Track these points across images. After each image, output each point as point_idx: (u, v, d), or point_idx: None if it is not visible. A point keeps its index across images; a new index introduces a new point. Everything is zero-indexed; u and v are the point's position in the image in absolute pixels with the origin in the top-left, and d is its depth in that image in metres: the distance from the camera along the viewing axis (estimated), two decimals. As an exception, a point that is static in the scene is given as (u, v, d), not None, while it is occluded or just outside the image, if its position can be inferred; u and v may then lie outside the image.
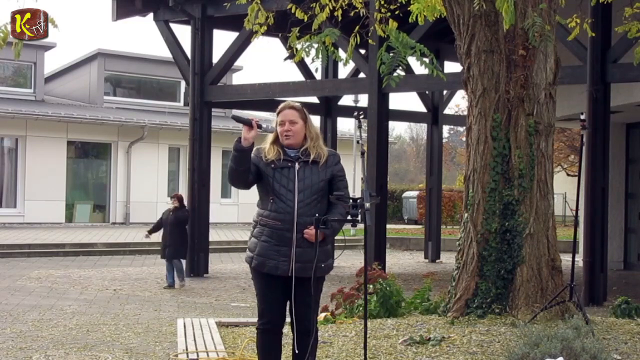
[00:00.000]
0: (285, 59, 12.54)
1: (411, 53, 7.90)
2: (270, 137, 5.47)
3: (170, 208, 14.28)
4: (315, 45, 8.46)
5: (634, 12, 9.99)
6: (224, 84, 20.42)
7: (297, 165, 5.38)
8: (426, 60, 8.10)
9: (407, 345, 7.06)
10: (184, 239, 14.26)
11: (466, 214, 8.24)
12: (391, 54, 7.96)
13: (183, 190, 28.11)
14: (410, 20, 9.03)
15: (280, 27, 9.84)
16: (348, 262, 18.36)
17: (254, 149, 5.40)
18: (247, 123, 5.29)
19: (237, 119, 5.35)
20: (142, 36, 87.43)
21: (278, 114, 5.48)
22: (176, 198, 14.31)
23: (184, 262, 14.39)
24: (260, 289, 5.48)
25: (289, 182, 5.35)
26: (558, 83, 8.40)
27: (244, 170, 5.35)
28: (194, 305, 11.91)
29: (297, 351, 5.46)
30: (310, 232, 5.27)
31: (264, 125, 5.37)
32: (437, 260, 20.22)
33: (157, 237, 14.71)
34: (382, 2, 9.59)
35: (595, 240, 12.28)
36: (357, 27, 9.17)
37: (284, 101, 5.67)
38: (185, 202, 14.81)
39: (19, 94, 28.48)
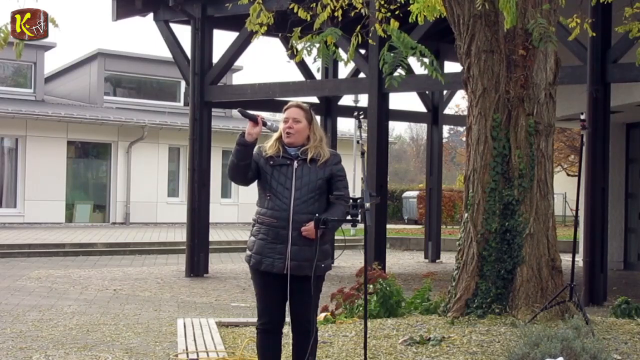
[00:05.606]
0: (289, 60, 12.53)
1: (412, 53, 7.90)
2: (275, 134, 5.52)
3: None
4: (317, 45, 8.46)
5: (634, 12, 9.99)
6: (224, 84, 20.41)
7: (295, 164, 5.40)
8: (426, 61, 8.10)
9: (407, 345, 7.06)
10: None
11: (466, 214, 8.24)
12: (392, 54, 7.96)
13: (183, 190, 28.20)
14: (410, 20, 9.03)
15: (281, 27, 9.84)
16: (348, 262, 18.35)
17: (257, 146, 5.44)
18: (253, 119, 5.37)
19: (244, 114, 5.41)
20: (142, 36, 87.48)
21: (284, 111, 5.54)
22: None
23: None
24: (259, 288, 5.50)
25: (286, 180, 5.37)
26: (558, 83, 8.40)
27: (245, 165, 5.39)
28: (194, 305, 11.91)
29: (296, 351, 5.47)
30: (307, 228, 5.28)
31: (268, 124, 5.45)
32: (437, 260, 20.21)
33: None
34: (382, 2, 9.59)
35: (595, 240, 12.27)
36: (358, 27, 9.17)
37: (284, 101, 5.72)
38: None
39: (19, 94, 28.47)
